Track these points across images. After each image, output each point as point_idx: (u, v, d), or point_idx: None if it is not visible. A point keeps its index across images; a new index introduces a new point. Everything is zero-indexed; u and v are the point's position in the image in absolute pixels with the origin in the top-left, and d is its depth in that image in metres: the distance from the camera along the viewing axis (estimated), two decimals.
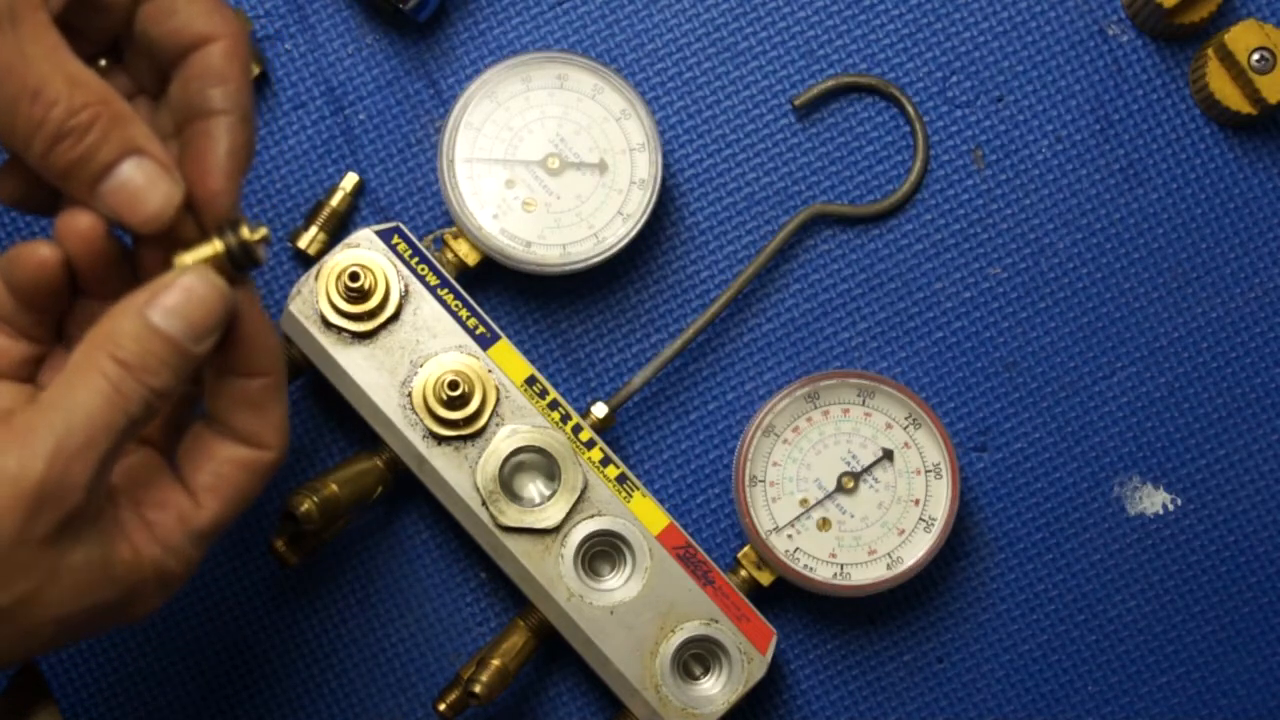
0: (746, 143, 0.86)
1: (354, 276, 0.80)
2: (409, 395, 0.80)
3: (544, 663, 0.85)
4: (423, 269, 0.81)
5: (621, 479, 0.81)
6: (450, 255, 0.83)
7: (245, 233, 0.64)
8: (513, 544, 0.80)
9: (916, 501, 0.83)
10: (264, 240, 0.65)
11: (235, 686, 0.85)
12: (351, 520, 0.83)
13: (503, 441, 0.80)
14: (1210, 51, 0.84)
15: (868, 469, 0.83)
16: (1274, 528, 0.86)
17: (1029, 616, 0.86)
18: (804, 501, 0.83)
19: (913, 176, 0.86)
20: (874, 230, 0.86)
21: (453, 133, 0.83)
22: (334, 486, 0.79)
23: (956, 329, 0.86)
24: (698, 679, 0.82)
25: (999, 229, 0.86)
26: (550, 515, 0.80)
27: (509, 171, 0.83)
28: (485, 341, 0.81)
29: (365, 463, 0.81)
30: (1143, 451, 0.86)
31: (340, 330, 0.80)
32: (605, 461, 0.81)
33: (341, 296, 0.80)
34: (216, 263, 0.65)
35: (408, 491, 0.85)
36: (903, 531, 0.83)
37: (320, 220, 0.84)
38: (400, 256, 0.81)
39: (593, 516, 0.81)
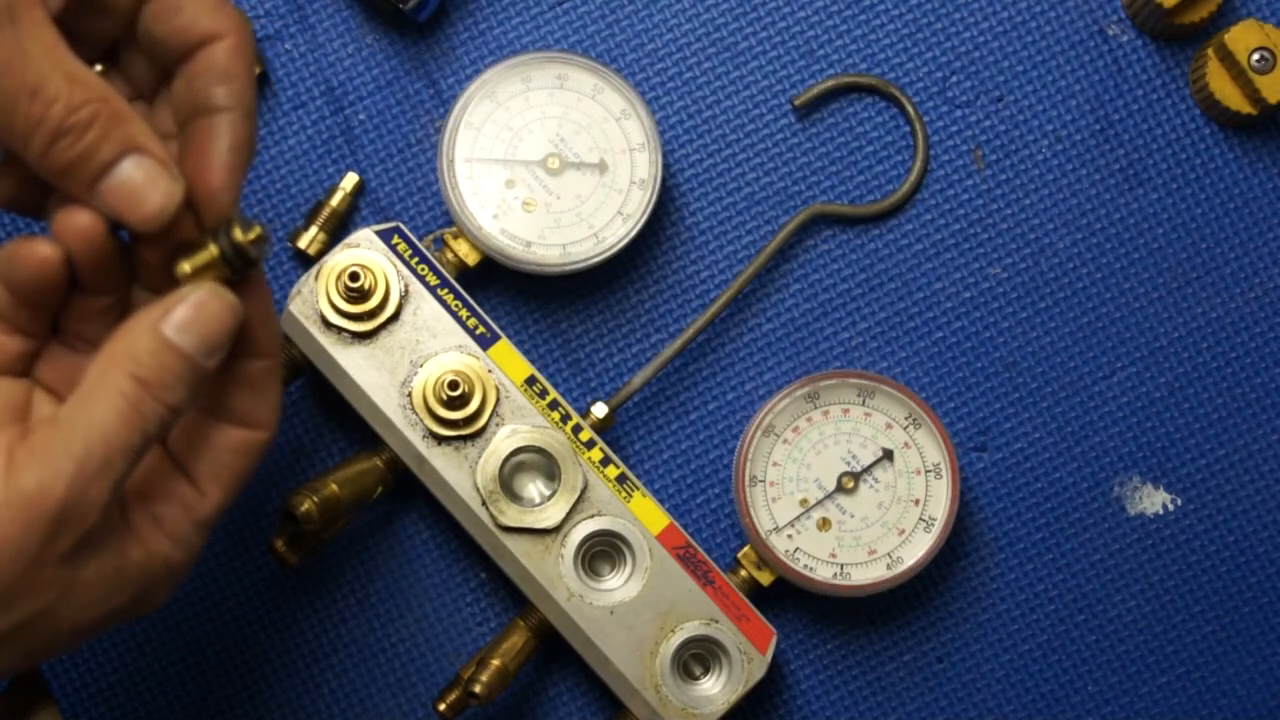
0: (746, 143, 0.86)
1: (354, 276, 0.80)
2: (409, 395, 0.80)
3: (544, 663, 0.85)
4: (423, 269, 0.81)
5: (621, 479, 0.81)
6: (450, 255, 0.83)
7: (238, 234, 0.64)
8: (513, 544, 0.80)
9: (916, 501, 0.83)
10: (259, 239, 0.65)
11: (235, 686, 0.85)
12: (351, 520, 0.83)
13: (503, 441, 0.80)
14: (1210, 51, 0.84)
15: (868, 469, 0.83)
16: (1274, 528, 0.86)
17: (1029, 616, 0.86)
18: (804, 501, 0.83)
19: (913, 176, 0.86)
20: (874, 230, 0.86)
21: (453, 133, 0.83)
22: (334, 486, 0.79)
23: (956, 329, 0.86)
24: (698, 679, 0.82)
25: (999, 229, 0.86)
26: (550, 515, 0.80)
27: (509, 171, 0.83)
28: (485, 341, 0.81)
29: (365, 463, 0.81)
30: (1143, 451, 0.86)
31: (340, 330, 0.80)
32: (605, 461, 0.81)
33: (341, 296, 0.80)
34: (215, 266, 0.65)
35: (408, 491, 0.85)
36: (903, 531, 0.83)
37: (320, 220, 0.84)
38: (400, 256, 0.81)
39: (593, 516, 0.81)
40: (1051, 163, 0.87)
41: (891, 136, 0.87)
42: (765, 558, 0.82)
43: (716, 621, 0.81)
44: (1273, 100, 0.83)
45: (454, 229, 0.83)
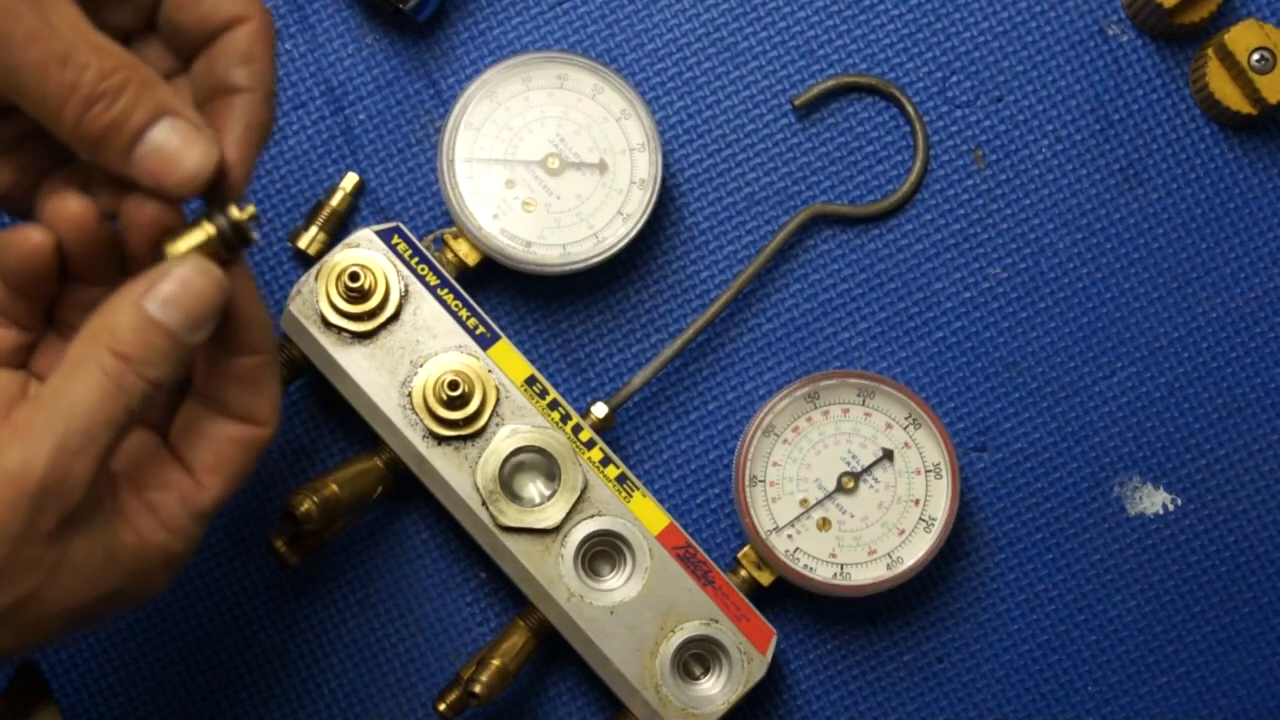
0: (746, 143, 0.86)
1: (354, 276, 0.80)
2: (409, 395, 0.80)
3: (544, 663, 0.85)
4: (423, 269, 0.81)
5: (621, 479, 0.81)
6: (450, 255, 0.83)
7: (235, 213, 0.64)
8: (513, 544, 0.80)
9: (916, 501, 0.83)
10: (253, 218, 0.65)
11: (235, 686, 0.85)
12: (351, 520, 0.83)
13: (503, 441, 0.80)
14: (1210, 51, 0.84)
15: (868, 469, 0.83)
16: (1274, 528, 0.86)
17: (1029, 616, 0.86)
18: (804, 501, 0.83)
19: (913, 176, 0.86)
20: (874, 230, 0.86)
21: (453, 133, 0.83)
22: (334, 486, 0.79)
23: (956, 329, 0.86)
24: (698, 679, 0.82)
25: (999, 229, 0.86)
26: (550, 515, 0.80)
27: (509, 171, 0.83)
28: (485, 341, 0.81)
29: (365, 463, 0.81)
30: (1143, 451, 0.86)
31: (340, 330, 0.80)
32: (605, 461, 0.81)
33: (341, 296, 0.80)
34: (209, 247, 0.64)
35: (408, 491, 0.85)
36: (903, 531, 0.83)
37: (320, 220, 0.84)
38: (400, 256, 0.81)
39: (593, 516, 0.81)
40: (1051, 163, 0.87)
41: (891, 136, 0.87)
42: (765, 558, 0.82)
43: (716, 621, 0.81)
44: (1273, 100, 0.83)
45: (454, 229, 0.83)
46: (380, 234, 0.81)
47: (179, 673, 0.85)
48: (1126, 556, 0.86)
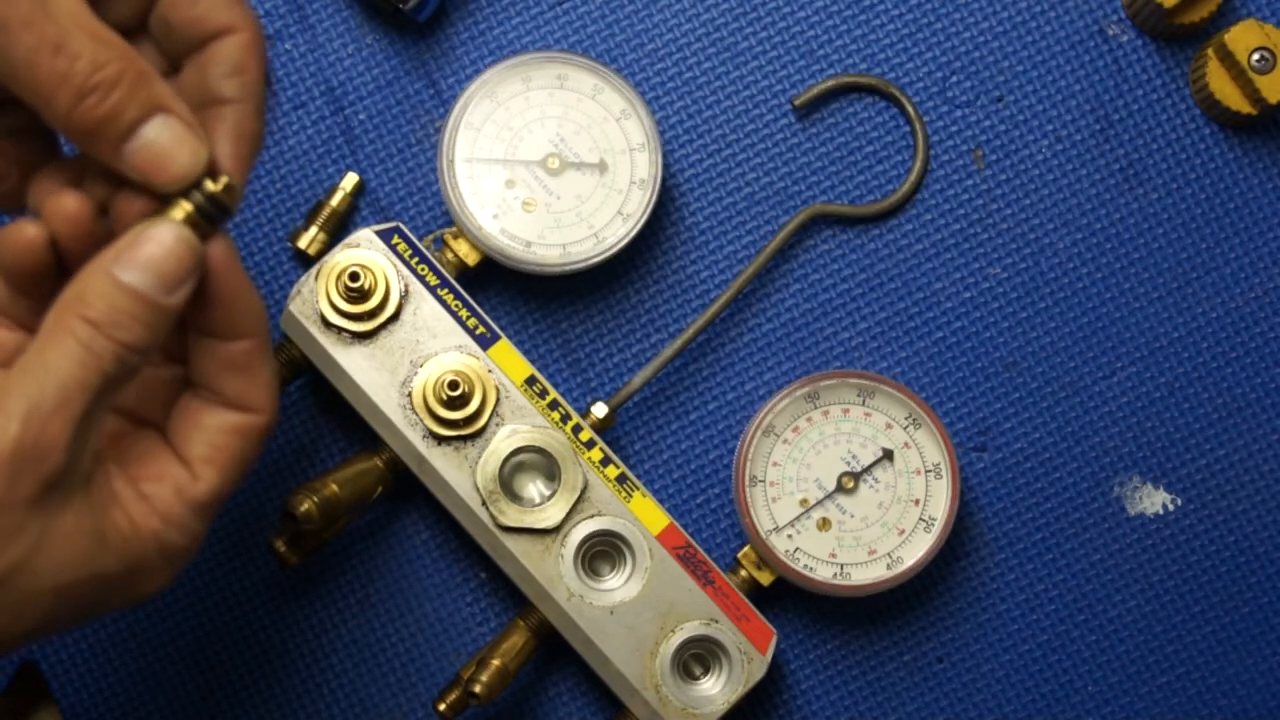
0: (746, 143, 0.86)
1: (354, 276, 0.80)
2: (409, 395, 0.80)
3: (544, 663, 0.85)
4: (423, 269, 0.81)
5: (621, 479, 0.81)
6: (450, 255, 0.83)
7: (209, 185, 0.64)
8: (513, 544, 0.80)
9: (916, 501, 0.83)
10: (229, 187, 0.64)
11: (235, 686, 0.85)
12: (351, 520, 0.83)
13: (503, 441, 0.80)
14: (1210, 51, 0.84)
15: (868, 469, 0.83)
16: (1274, 528, 0.86)
17: (1029, 616, 0.86)
18: (804, 501, 0.83)
19: (913, 176, 0.86)
20: (874, 230, 0.86)
21: (453, 133, 0.83)
22: (334, 486, 0.79)
23: (956, 329, 0.86)
24: (698, 679, 0.82)
25: (999, 229, 0.86)
26: (550, 515, 0.80)
27: (509, 171, 0.83)
28: (485, 341, 0.81)
29: (365, 463, 0.81)
30: (1143, 451, 0.86)
31: (340, 330, 0.80)
32: (605, 461, 0.81)
33: (341, 296, 0.80)
34: (187, 222, 0.64)
35: (408, 491, 0.85)
36: (903, 531, 0.83)
37: (320, 220, 0.84)
38: (400, 256, 0.81)
39: (593, 516, 0.81)
40: (1051, 163, 0.87)
41: (891, 136, 0.87)
42: (765, 558, 0.82)
43: (716, 621, 0.81)
44: (1273, 100, 0.83)
45: (454, 229, 0.83)
46: (380, 234, 0.81)
47: (179, 673, 0.85)
48: (1126, 556, 0.86)
